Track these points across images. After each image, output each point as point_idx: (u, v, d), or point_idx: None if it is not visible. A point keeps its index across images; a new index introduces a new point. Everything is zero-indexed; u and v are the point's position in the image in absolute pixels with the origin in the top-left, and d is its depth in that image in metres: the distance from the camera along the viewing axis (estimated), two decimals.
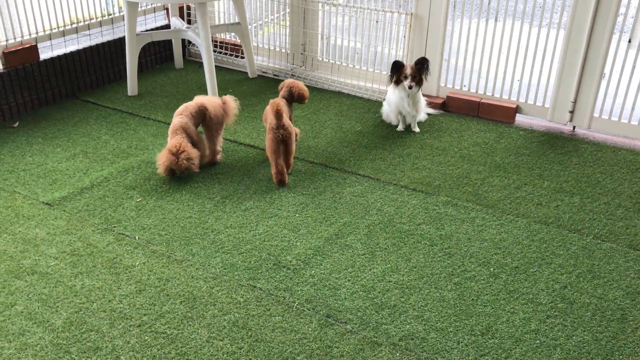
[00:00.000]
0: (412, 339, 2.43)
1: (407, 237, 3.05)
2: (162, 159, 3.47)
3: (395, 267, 2.84)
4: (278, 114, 3.49)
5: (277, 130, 3.51)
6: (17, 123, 4.23)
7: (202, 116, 3.66)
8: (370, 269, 2.82)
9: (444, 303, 2.62)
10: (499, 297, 2.66)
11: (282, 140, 3.54)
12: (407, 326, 2.49)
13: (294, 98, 3.90)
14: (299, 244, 3.00)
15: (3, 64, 4.22)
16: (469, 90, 4.49)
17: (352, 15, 4.76)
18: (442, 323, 2.52)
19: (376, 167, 3.70)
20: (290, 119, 3.85)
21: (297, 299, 2.64)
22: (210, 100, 3.73)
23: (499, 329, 2.49)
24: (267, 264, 2.85)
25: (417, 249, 2.97)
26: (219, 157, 3.75)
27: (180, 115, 3.60)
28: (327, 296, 2.65)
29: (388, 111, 4.25)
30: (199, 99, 3.71)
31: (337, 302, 2.62)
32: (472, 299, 2.65)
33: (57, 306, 2.58)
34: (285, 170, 3.56)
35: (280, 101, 3.67)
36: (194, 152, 3.51)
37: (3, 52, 4.20)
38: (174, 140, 3.51)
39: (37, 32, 4.46)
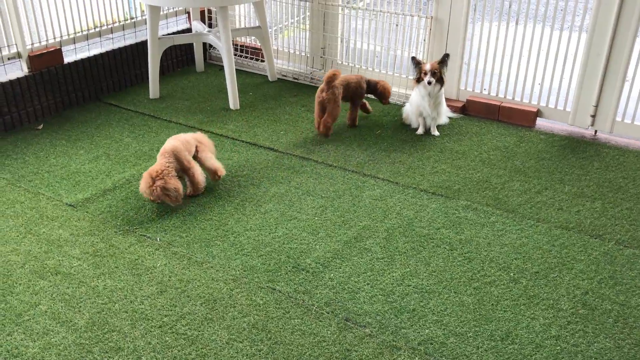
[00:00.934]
0: (432, 344, 2.43)
1: (426, 241, 3.05)
2: (142, 181, 3.26)
3: (415, 271, 2.84)
4: (328, 78, 3.97)
5: (320, 93, 4.05)
6: (42, 125, 4.30)
7: (195, 149, 3.48)
8: (389, 273, 2.83)
9: (464, 308, 2.62)
10: (519, 303, 2.65)
11: (322, 103, 4.02)
12: (427, 330, 2.49)
13: (376, 90, 4.31)
14: (318, 247, 3.01)
15: (28, 68, 4.29)
16: (489, 93, 4.47)
17: (372, 19, 4.77)
18: (461, 328, 2.51)
19: (395, 170, 3.70)
20: (359, 101, 4.27)
21: (316, 302, 2.65)
22: (192, 135, 3.54)
23: (519, 334, 2.48)
24: (287, 267, 2.87)
25: (436, 253, 2.96)
26: (220, 173, 3.51)
27: (174, 139, 3.40)
28: (346, 299, 2.66)
29: (409, 111, 4.25)
30: (189, 137, 3.48)
31: (356, 305, 2.63)
32: (492, 304, 2.64)
33: (80, 306, 2.62)
34: (320, 124, 4.09)
35: (339, 72, 4.03)
36: (172, 184, 3.21)
37: (28, 56, 4.27)
38: (157, 164, 3.27)
39: (61, 36, 4.54)
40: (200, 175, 3.42)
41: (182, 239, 3.07)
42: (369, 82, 4.28)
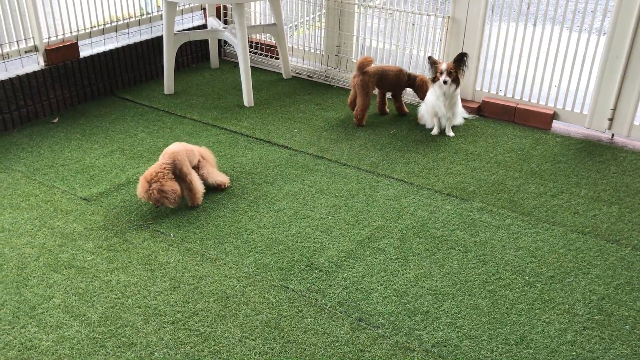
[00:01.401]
0: (445, 346, 2.41)
1: (440, 243, 3.03)
2: (138, 186, 3.21)
3: (429, 272, 2.82)
4: (359, 64, 4.10)
5: (353, 78, 4.18)
6: (57, 119, 4.32)
7: (197, 162, 3.41)
8: (403, 274, 2.81)
9: (478, 311, 2.59)
10: (534, 307, 2.62)
11: (354, 87, 4.17)
12: (440, 333, 2.47)
13: (414, 84, 4.32)
14: (331, 246, 3.00)
15: (45, 61, 4.31)
16: (505, 95, 4.43)
17: (387, 18, 4.74)
18: (475, 331, 2.49)
19: (410, 170, 3.68)
20: (399, 94, 4.37)
21: (329, 301, 2.64)
22: (197, 148, 3.49)
23: (534, 339, 2.45)
24: (300, 265, 2.86)
25: (450, 255, 2.94)
26: (224, 186, 3.48)
27: (178, 144, 3.34)
28: (359, 300, 2.65)
29: (424, 111, 4.23)
30: (194, 148, 3.43)
31: (370, 306, 2.61)
32: (507, 308, 2.61)
33: (94, 300, 2.63)
34: (355, 116, 4.21)
35: (371, 59, 4.12)
36: (169, 186, 3.15)
37: (45, 49, 4.29)
38: (153, 166, 3.22)
39: (78, 30, 4.55)
40: (198, 183, 3.32)
41: (196, 235, 3.07)
42: (409, 75, 4.31)
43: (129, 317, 2.53)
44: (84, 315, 2.54)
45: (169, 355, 2.35)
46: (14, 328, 2.47)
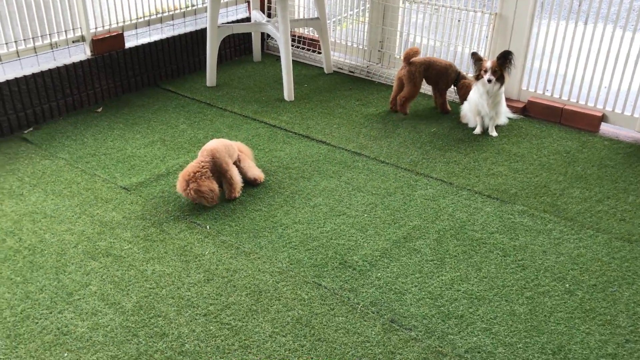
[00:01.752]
0: (479, 352, 2.35)
1: (478, 246, 2.96)
2: (177, 183, 3.24)
3: (465, 275, 2.76)
4: (406, 54, 4.15)
5: (399, 70, 4.24)
6: (101, 108, 4.40)
7: (236, 157, 3.42)
8: (438, 276, 2.75)
9: (515, 317, 2.52)
10: (574, 316, 2.53)
11: (400, 79, 4.21)
12: (474, 338, 2.41)
13: (457, 85, 4.29)
14: (366, 244, 2.96)
15: (91, 51, 4.39)
16: (551, 95, 4.30)
17: (433, 13, 4.66)
18: (511, 338, 2.42)
19: (450, 170, 3.61)
20: (444, 90, 4.31)
21: (362, 300, 2.61)
22: (235, 143, 3.51)
23: (572, 349, 2.37)
24: (333, 263, 2.83)
25: (488, 258, 2.87)
26: (259, 181, 3.47)
27: (217, 140, 3.35)
28: (392, 300, 2.61)
29: (467, 110, 4.14)
30: (233, 143, 3.44)
31: (403, 307, 2.57)
32: (545, 315, 2.53)
33: (128, 289, 2.66)
34: (398, 101, 4.23)
35: (418, 50, 4.16)
36: (206, 186, 3.17)
37: (92, 39, 4.37)
38: (191, 165, 3.23)
39: (124, 21, 4.62)
40: (237, 176, 3.33)
41: (231, 228, 3.08)
42: (458, 73, 4.26)
43: (162, 308, 2.56)
44: (119, 303, 2.58)
45: (199, 347, 2.37)
46: (51, 313, 2.52)
